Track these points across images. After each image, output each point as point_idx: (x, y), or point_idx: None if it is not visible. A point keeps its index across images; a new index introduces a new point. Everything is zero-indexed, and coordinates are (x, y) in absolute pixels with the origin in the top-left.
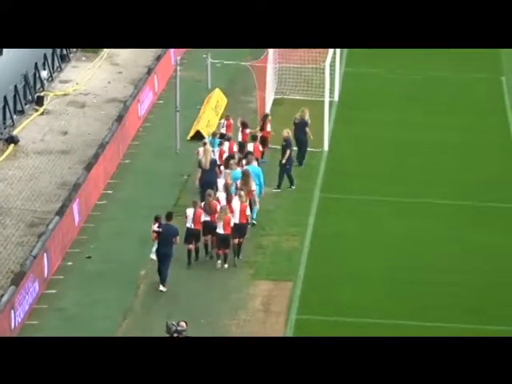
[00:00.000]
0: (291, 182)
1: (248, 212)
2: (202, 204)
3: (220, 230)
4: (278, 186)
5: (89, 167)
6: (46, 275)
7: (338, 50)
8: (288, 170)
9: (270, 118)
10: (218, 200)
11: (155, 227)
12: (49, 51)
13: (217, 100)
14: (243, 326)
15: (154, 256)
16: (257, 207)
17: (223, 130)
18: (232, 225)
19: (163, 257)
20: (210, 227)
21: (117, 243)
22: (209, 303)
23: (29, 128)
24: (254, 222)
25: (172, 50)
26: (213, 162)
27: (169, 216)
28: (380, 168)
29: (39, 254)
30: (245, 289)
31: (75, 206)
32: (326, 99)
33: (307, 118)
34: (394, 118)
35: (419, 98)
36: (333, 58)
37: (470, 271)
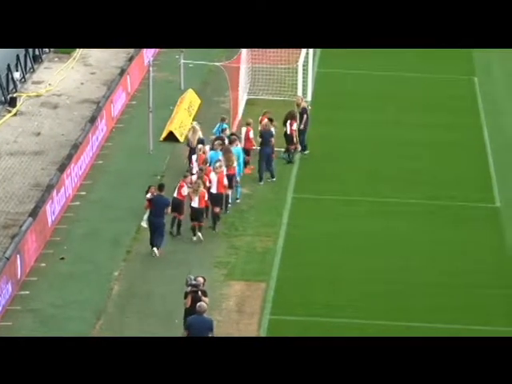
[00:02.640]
0: (272, 175)
1: (225, 181)
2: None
3: (195, 204)
4: (304, 150)
5: (62, 168)
6: (19, 276)
7: (310, 50)
8: (304, 133)
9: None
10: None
11: (148, 195)
12: (21, 52)
13: (190, 101)
14: (217, 326)
15: (144, 224)
16: (239, 186)
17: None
18: (207, 196)
19: (154, 226)
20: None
21: (90, 244)
22: (182, 304)
23: (1, 129)
24: (237, 200)
25: (145, 51)
26: (200, 141)
27: (160, 187)
28: (353, 168)
29: (12, 256)
30: (218, 289)
31: (48, 207)
32: None
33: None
34: (367, 117)
35: (392, 97)
36: (305, 58)
37: (444, 271)
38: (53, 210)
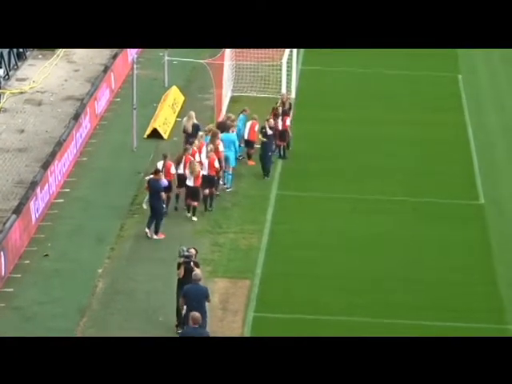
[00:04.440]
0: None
1: (216, 164)
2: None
3: (190, 183)
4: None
5: (46, 165)
6: (3, 274)
7: (294, 48)
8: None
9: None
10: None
11: (147, 178)
12: (5, 49)
13: (174, 98)
14: None
15: (145, 205)
16: (230, 173)
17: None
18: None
19: (151, 208)
20: (182, 180)
21: (74, 241)
22: (167, 301)
23: None
24: (228, 188)
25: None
26: (195, 126)
27: (155, 172)
28: (337, 165)
29: None
30: None
31: (32, 205)
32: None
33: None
34: (351, 114)
35: (376, 95)
36: (289, 56)
37: (428, 268)
38: (37, 207)
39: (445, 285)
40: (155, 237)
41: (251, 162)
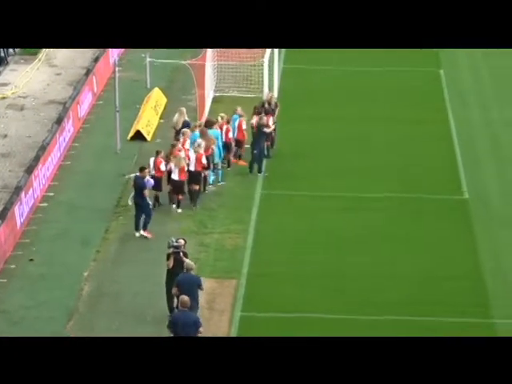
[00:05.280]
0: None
1: (204, 160)
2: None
3: (175, 176)
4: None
5: (29, 170)
6: None
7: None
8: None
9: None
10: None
11: (133, 175)
12: None
13: (156, 99)
14: None
15: (130, 202)
16: (219, 168)
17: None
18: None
19: (136, 205)
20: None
21: (59, 245)
22: (153, 301)
23: None
24: (219, 182)
25: (110, 50)
26: (185, 123)
27: (141, 169)
28: (322, 163)
29: None
30: None
31: (17, 209)
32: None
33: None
34: (334, 112)
35: (358, 92)
36: (271, 55)
37: (414, 264)
38: (21, 211)
39: (431, 280)
40: (143, 233)
41: (242, 162)
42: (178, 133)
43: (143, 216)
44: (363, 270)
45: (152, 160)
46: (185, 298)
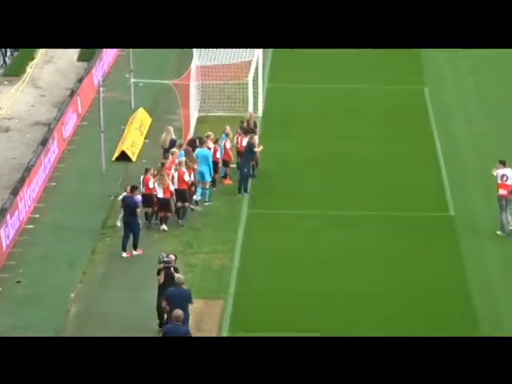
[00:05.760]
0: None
1: (186, 178)
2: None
3: (160, 195)
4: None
5: (15, 191)
6: None
7: (260, 66)
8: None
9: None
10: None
11: (121, 196)
12: None
13: (141, 120)
14: None
15: (119, 223)
16: (207, 188)
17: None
18: (172, 190)
19: (126, 225)
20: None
21: (45, 267)
22: (140, 322)
23: None
24: (205, 202)
25: (94, 71)
26: (172, 141)
27: (132, 188)
28: (307, 182)
29: None
30: None
31: (2, 231)
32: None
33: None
34: (319, 131)
35: (343, 110)
36: (255, 74)
37: (400, 281)
38: (7, 233)
39: (418, 298)
40: (134, 252)
41: (228, 181)
42: (166, 151)
43: (131, 236)
44: (350, 288)
45: (141, 178)
46: (179, 312)
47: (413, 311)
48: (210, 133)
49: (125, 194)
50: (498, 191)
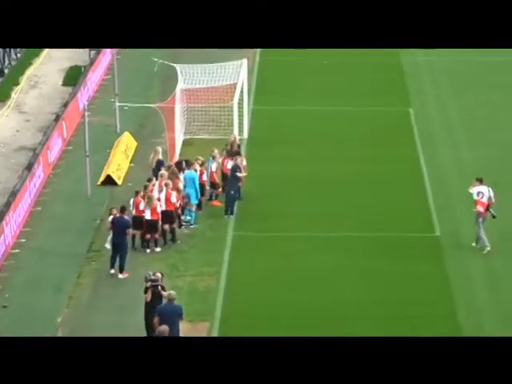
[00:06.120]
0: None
1: (173, 199)
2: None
3: (148, 217)
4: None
5: (0, 216)
6: None
7: (245, 88)
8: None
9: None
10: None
11: (110, 218)
12: None
13: (126, 144)
14: None
15: (108, 245)
16: (193, 210)
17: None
18: (160, 212)
19: (116, 246)
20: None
21: (32, 291)
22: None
23: None
24: (191, 225)
25: (79, 96)
26: (159, 162)
27: (122, 209)
28: (293, 204)
29: None
30: None
31: None
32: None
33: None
34: (305, 152)
35: (329, 132)
36: (240, 96)
37: (387, 303)
38: None
39: (405, 319)
40: (120, 276)
41: (216, 203)
42: (153, 172)
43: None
44: (336, 309)
45: (132, 200)
46: (163, 326)
47: (400, 331)
48: (199, 157)
49: (111, 216)
50: (475, 208)
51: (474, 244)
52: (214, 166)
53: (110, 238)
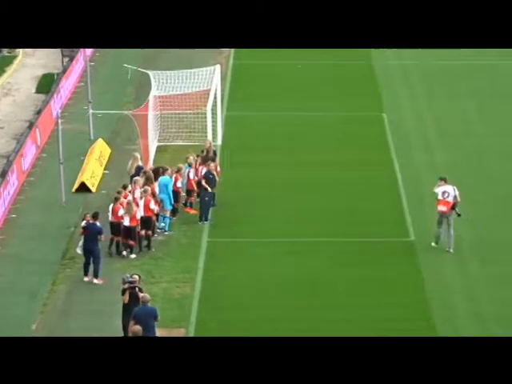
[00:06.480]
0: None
1: (152, 206)
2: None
3: (126, 223)
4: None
5: None
6: None
7: (218, 95)
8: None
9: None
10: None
11: (83, 223)
12: None
13: (100, 150)
14: None
15: (79, 250)
16: (167, 216)
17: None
18: (139, 218)
19: (87, 252)
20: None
21: (6, 299)
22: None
23: None
24: (166, 232)
25: (52, 103)
26: (138, 168)
27: (94, 215)
28: (267, 209)
29: None
30: None
31: None
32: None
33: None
34: (279, 158)
35: (302, 137)
36: (214, 103)
37: (362, 307)
38: None
39: (380, 323)
40: (96, 281)
41: (191, 210)
42: (131, 178)
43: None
44: (311, 314)
45: (111, 206)
46: (136, 327)
47: (375, 334)
48: (180, 165)
49: (84, 222)
50: (437, 207)
51: (433, 244)
52: (191, 173)
53: (81, 243)
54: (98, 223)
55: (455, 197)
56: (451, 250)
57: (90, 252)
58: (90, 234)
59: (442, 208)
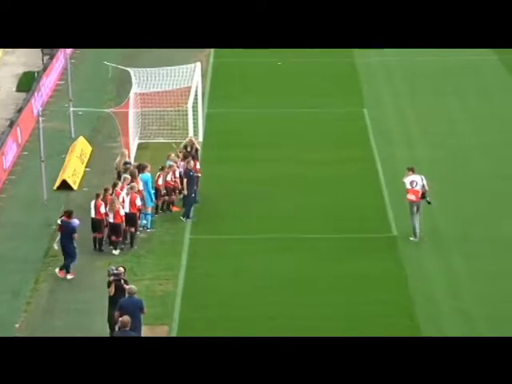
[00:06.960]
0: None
1: (138, 202)
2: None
3: (111, 219)
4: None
5: None
6: None
7: (199, 92)
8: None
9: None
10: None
11: (59, 220)
12: None
13: (81, 148)
14: None
15: (56, 245)
16: (149, 213)
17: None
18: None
19: (64, 250)
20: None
21: None
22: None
23: None
24: (148, 229)
25: (33, 101)
26: (125, 164)
27: (68, 214)
28: (249, 206)
29: None
30: None
31: None
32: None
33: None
34: (262, 155)
35: (284, 134)
36: (195, 100)
37: (345, 303)
38: None
39: (364, 319)
40: (69, 276)
41: (175, 208)
42: (119, 175)
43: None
44: (295, 312)
45: (93, 203)
46: (126, 317)
47: (359, 331)
48: (172, 163)
49: (62, 218)
50: (407, 197)
51: (411, 238)
52: (176, 171)
53: (58, 238)
54: (74, 221)
55: (423, 186)
56: (425, 239)
57: (65, 249)
58: (65, 232)
59: (411, 197)
